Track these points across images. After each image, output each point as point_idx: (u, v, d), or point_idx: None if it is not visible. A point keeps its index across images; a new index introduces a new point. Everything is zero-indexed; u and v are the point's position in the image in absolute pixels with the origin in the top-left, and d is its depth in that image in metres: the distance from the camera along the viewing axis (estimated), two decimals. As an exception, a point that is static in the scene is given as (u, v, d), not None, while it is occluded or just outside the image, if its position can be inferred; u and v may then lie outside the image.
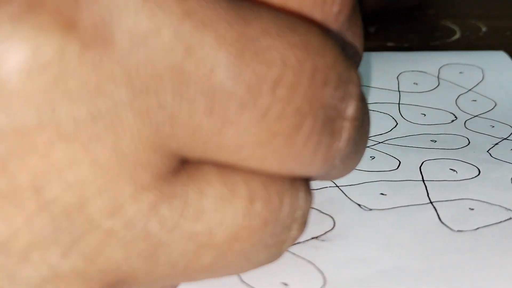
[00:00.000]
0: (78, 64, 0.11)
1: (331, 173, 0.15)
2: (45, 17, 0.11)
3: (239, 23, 0.12)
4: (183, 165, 0.13)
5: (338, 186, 0.21)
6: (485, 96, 0.28)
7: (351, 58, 0.15)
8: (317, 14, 0.14)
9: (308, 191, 0.15)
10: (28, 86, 0.11)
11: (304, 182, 0.15)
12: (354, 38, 0.15)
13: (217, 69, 0.12)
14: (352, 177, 0.22)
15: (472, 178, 0.22)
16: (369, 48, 0.34)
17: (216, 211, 0.13)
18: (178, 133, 0.12)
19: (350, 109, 0.14)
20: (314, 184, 0.21)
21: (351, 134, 0.14)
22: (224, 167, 0.13)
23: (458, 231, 0.19)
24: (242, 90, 0.12)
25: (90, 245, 0.12)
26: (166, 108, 0.12)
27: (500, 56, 0.31)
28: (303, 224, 0.15)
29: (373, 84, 0.29)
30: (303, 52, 0.13)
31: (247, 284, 0.17)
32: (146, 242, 0.12)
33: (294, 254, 0.18)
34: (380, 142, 0.24)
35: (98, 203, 0.12)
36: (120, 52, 0.11)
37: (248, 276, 0.17)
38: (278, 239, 0.14)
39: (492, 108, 0.27)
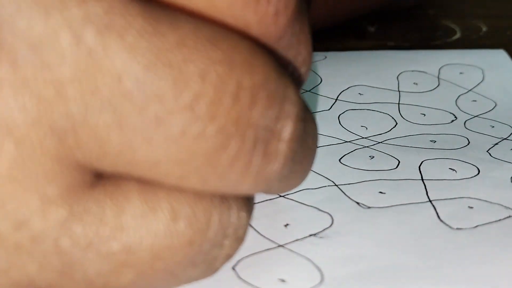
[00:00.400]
0: None
1: (271, 190, 0.14)
2: None
3: (150, 32, 0.11)
4: (101, 180, 0.12)
5: (336, 185, 0.21)
6: (485, 97, 0.28)
7: (292, 72, 0.14)
8: (250, 16, 0.13)
9: (243, 207, 0.14)
10: None
11: (238, 198, 0.14)
12: (299, 46, 0.14)
13: (125, 79, 0.11)
14: (351, 175, 0.22)
15: (472, 177, 0.22)
16: (369, 48, 0.34)
17: (135, 229, 0.12)
18: (83, 144, 0.11)
19: (287, 130, 0.13)
20: (311, 183, 0.21)
21: (288, 156, 0.13)
22: (147, 183, 0.13)
23: (457, 229, 0.19)
24: (154, 104, 0.11)
25: (1, 257, 0.12)
26: (69, 117, 0.11)
27: (500, 55, 0.31)
28: (238, 240, 0.14)
29: (373, 83, 0.28)
30: (226, 68, 0.12)
31: (244, 281, 0.17)
32: (58, 258, 0.12)
33: (291, 250, 0.18)
34: (379, 142, 0.24)
35: (2, 215, 0.11)
36: (15, 58, 0.11)
37: (245, 273, 0.17)
38: (207, 256, 0.14)
39: (492, 109, 0.27)
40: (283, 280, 0.17)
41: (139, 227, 0.12)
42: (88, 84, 0.11)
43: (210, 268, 0.14)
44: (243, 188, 0.13)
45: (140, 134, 0.11)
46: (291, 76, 0.14)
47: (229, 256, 0.14)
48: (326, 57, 0.31)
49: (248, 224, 0.14)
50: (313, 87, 0.28)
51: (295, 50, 0.14)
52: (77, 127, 0.11)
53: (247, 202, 0.14)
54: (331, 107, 0.27)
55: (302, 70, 0.15)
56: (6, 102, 0.11)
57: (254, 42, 0.13)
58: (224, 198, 0.13)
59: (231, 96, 0.12)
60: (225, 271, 0.17)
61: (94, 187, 0.12)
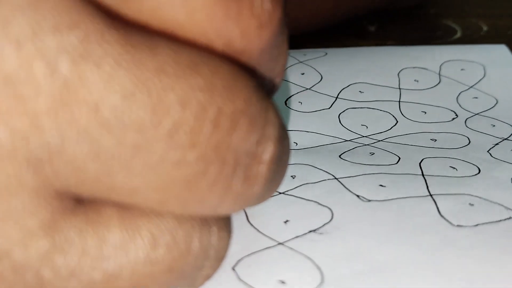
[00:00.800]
0: None
1: (247, 207, 0.14)
2: None
3: (128, 60, 0.11)
4: (81, 205, 0.12)
5: (336, 178, 0.21)
6: (486, 93, 0.28)
7: (269, 91, 0.14)
8: (232, 29, 0.12)
9: (223, 226, 0.14)
10: None
11: (219, 219, 0.14)
12: (279, 57, 0.14)
13: (102, 108, 0.11)
14: (351, 169, 0.21)
15: (472, 175, 0.22)
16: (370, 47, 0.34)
17: (115, 258, 0.12)
18: (60, 173, 0.11)
19: (268, 153, 0.13)
20: (311, 178, 0.21)
21: (268, 177, 0.13)
22: (126, 209, 0.13)
23: (458, 226, 0.19)
24: (132, 133, 0.11)
25: None
26: (45, 148, 0.11)
27: (501, 50, 0.31)
28: (218, 260, 0.14)
29: (373, 81, 0.28)
30: (206, 95, 0.11)
31: (245, 283, 0.17)
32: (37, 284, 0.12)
33: (292, 249, 0.18)
34: (379, 141, 0.24)
35: None
36: None
37: (245, 274, 0.17)
38: (188, 279, 0.14)
39: (493, 106, 0.27)
40: (283, 282, 0.17)
41: (120, 255, 0.12)
42: (64, 115, 0.11)
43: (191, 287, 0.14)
44: (223, 210, 0.13)
45: (117, 162, 0.11)
46: (266, 86, 0.14)
47: (208, 276, 0.15)
48: (326, 53, 0.31)
49: (229, 244, 0.14)
50: (314, 85, 0.28)
51: (275, 62, 0.14)
52: (53, 157, 0.11)
53: (227, 222, 0.14)
54: (331, 105, 0.26)
55: (277, 80, 0.15)
56: None
57: (235, 65, 0.12)
58: (204, 220, 0.13)
59: (211, 123, 0.12)
60: (225, 272, 0.17)
61: (75, 213, 0.12)
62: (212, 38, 0.12)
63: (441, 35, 0.36)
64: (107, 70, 0.11)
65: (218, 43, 0.12)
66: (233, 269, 0.17)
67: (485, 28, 0.37)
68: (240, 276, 0.17)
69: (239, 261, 0.17)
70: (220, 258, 0.14)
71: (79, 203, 0.12)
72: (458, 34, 0.36)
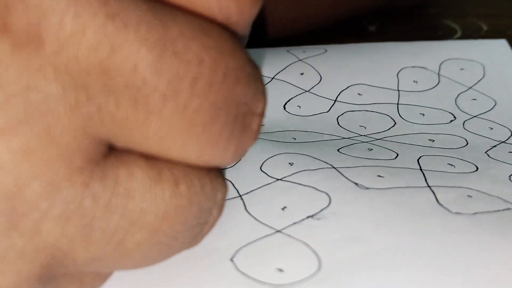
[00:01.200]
0: (10, 63, 0.12)
1: (235, 162, 0.17)
2: None
3: (158, 26, 0.13)
4: (112, 151, 0.14)
5: (335, 167, 0.21)
6: (485, 95, 0.28)
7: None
8: (232, 6, 0.15)
9: (222, 177, 0.17)
10: None
11: (219, 171, 0.17)
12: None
13: (140, 66, 0.13)
14: (350, 161, 0.21)
15: (470, 172, 0.21)
16: (370, 47, 0.34)
17: (145, 191, 0.14)
18: (106, 123, 0.14)
19: (260, 106, 0.16)
20: (309, 165, 0.21)
21: (259, 128, 0.16)
22: (150, 157, 0.15)
23: (456, 213, 0.19)
24: (163, 85, 0.13)
25: (29, 225, 0.13)
26: (94, 100, 0.13)
27: (501, 45, 0.31)
28: (222, 208, 0.17)
29: (372, 82, 0.28)
30: (217, 54, 0.14)
31: (243, 273, 0.17)
32: (81, 218, 0.14)
33: (289, 236, 0.18)
34: (378, 139, 0.24)
35: (34, 186, 0.13)
36: (49, 51, 0.13)
37: (243, 264, 0.17)
38: (201, 220, 0.16)
39: (492, 108, 0.27)
40: (280, 270, 0.17)
41: (149, 189, 0.15)
42: (109, 72, 0.13)
43: (200, 233, 0.17)
44: (227, 157, 0.16)
45: (151, 111, 0.14)
46: None
47: (213, 224, 0.17)
48: (326, 50, 0.31)
49: (226, 197, 0.17)
50: (313, 87, 0.28)
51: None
52: (101, 109, 0.13)
53: (224, 177, 0.17)
54: (329, 109, 0.26)
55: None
56: (42, 89, 0.13)
57: (231, 32, 0.15)
58: (209, 170, 0.16)
59: (221, 76, 0.14)
60: (224, 262, 0.17)
61: (108, 157, 0.14)
62: (215, 12, 0.15)
63: (441, 35, 0.36)
64: (143, 34, 0.13)
65: (219, 16, 0.15)
66: (231, 260, 0.17)
67: (485, 28, 0.37)
68: (238, 266, 0.17)
69: (237, 251, 0.17)
70: (222, 206, 0.17)
71: (110, 150, 0.14)
72: (458, 34, 0.36)
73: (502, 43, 0.31)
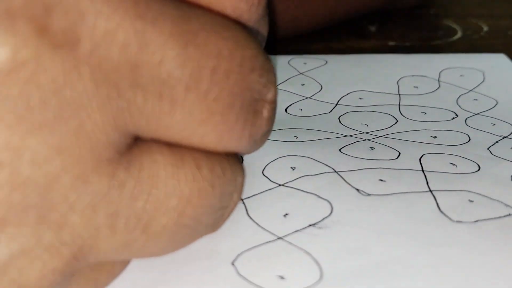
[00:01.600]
0: (49, 62, 0.13)
1: (252, 149, 0.18)
2: (21, 24, 0.12)
3: (181, 21, 0.14)
4: (136, 141, 0.15)
5: (336, 172, 0.21)
6: (486, 96, 0.28)
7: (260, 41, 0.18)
8: (243, 6, 0.16)
9: (241, 164, 0.18)
10: (7, 82, 0.12)
11: (236, 156, 0.17)
12: (264, 27, 0.18)
13: (166, 61, 0.14)
14: (351, 163, 0.21)
15: (472, 172, 0.22)
16: (370, 47, 0.34)
17: (168, 176, 0.15)
18: (134, 117, 0.14)
19: (270, 94, 0.17)
20: (310, 170, 0.21)
21: (271, 114, 0.17)
22: (171, 144, 0.15)
23: (457, 221, 0.19)
24: (186, 76, 0.14)
25: (56, 218, 0.14)
26: (124, 96, 0.14)
27: (500, 58, 0.31)
28: (241, 192, 0.18)
29: (373, 89, 0.28)
30: (233, 45, 0.15)
31: (244, 278, 0.17)
32: (107, 208, 0.14)
33: (291, 244, 0.18)
34: (379, 136, 0.24)
35: (64, 179, 0.13)
36: (84, 51, 0.13)
37: (244, 269, 0.17)
38: (223, 203, 0.17)
39: (493, 107, 0.27)
40: (282, 277, 0.17)
41: (172, 174, 0.15)
42: (138, 68, 0.14)
43: (222, 217, 0.17)
44: (242, 143, 0.16)
45: (175, 102, 0.14)
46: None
47: (233, 209, 0.18)
48: (326, 62, 0.31)
49: (244, 181, 0.18)
50: (313, 94, 0.28)
51: (262, 21, 0.18)
52: (130, 103, 0.14)
53: (241, 162, 0.18)
54: (331, 110, 0.27)
55: (263, 33, 0.18)
56: (77, 86, 0.13)
57: (243, 26, 0.16)
58: (227, 156, 0.17)
59: (237, 65, 0.15)
60: (225, 266, 0.17)
61: (133, 146, 0.15)
62: (229, 12, 0.16)
63: (442, 35, 0.36)
64: (168, 30, 0.14)
65: (232, 15, 0.16)
66: (233, 264, 0.17)
67: (485, 28, 0.37)
68: (239, 271, 0.17)
69: (238, 255, 0.17)
70: (240, 191, 0.18)
71: (135, 140, 0.15)
72: (459, 34, 0.36)
73: (501, 56, 0.31)
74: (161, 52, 0.14)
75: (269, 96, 0.16)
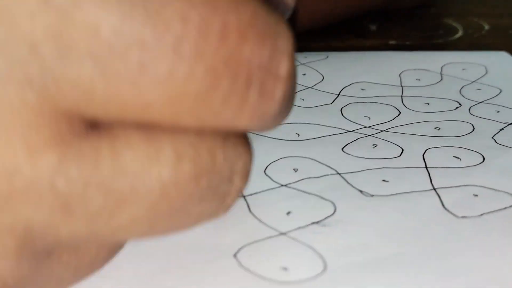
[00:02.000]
0: None
1: (266, 127, 0.15)
2: None
3: None
4: (97, 128, 0.13)
5: (339, 173, 0.21)
6: (489, 85, 0.28)
7: (282, 11, 0.15)
8: None
9: (246, 142, 0.15)
10: None
11: (240, 134, 0.14)
12: None
13: (102, 29, 0.11)
14: (354, 164, 0.21)
15: (476, 165, 0.21)
16: (371, 46, 0.33)
17: (136, 170, 0.13)
18: (67, 95, 0.12)
19: (283, 68, 0.13)
20: (313, 172, 0.21)
21: (286, 94, 0.13)
22: (149, 128, 0.13)
23: (462, 217, 0.19)
24: (136, 50, 0.12)
25: None
26: (48, 71, 0.12)
27: (502, 55, 0.31)
28: (246, 175, 0.15)
29: (375, 80, 0.28)
30: (208, 9, 0.12)
31: (246, 269, 0.16)
32: (55, 197, 0.13)
33: (293, 238, 0.18)
34: (382, 131, 0.24)
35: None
36: None
37: (246, 261, 0.17)
38: (218, 191, 0.14)
39: (497, 95, 0.27)
40: (285, 268, 0.16)
41: (143, 166, 0.13)
42: (63, 39, 0.12)
43: (222, 204, 0.15)
44: (241, 124, 0.13)
45: (125, 79, 0.12)
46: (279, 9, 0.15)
47: (239, 191, 0.15)
48: (328, 56, 0.31)
49: (252, 161, 0.15)
50: (315, 84, 0.28)
51: None
52: (58, 79, 0.12)
53: (248, 138, 0.15)
54: (333, 101, 0.26)
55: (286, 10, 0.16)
56: None
57: None
58: (227, 136, 0.14)
59: (216, 36, 0.12)
60: (227, 259, 0.17)
61: (88, 135, 0.13)
62: None
63: (443, 34, 0.36)
64: None
65: None
66: (235, 256, 0.17)
67: (486, 27, 0.36)
68: (242, 263, 0.17)
69: (240, 248, 0.17)
70: (247, 174, 0.15)
71: (93, 128, 0.13)
72: (460, 33, 0.36)
73: (503, 54, 0.31)
74: (94, 18, 0.12)
75: (282, 70, 0.13)
